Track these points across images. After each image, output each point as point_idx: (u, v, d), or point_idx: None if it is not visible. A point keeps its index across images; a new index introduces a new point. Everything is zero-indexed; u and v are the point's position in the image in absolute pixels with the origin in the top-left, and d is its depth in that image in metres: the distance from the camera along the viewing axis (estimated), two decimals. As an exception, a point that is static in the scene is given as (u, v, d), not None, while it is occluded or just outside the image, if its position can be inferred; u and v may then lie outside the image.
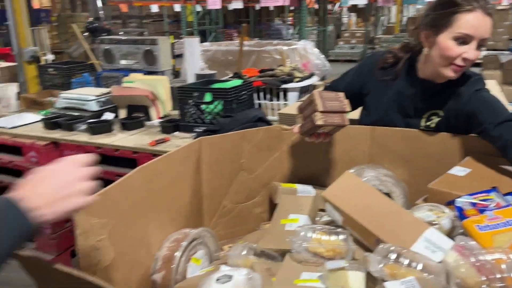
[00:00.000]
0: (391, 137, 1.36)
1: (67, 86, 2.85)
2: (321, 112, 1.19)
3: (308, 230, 0.96)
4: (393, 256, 0.78)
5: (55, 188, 0.65)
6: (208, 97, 2.19)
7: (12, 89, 2.82)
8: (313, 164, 1.46)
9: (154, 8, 7.99)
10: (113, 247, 0.90)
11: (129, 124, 2.33)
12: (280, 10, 13.47)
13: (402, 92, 1.40)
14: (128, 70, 2.84)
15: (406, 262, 0.77)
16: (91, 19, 3.95)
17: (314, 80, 2.56)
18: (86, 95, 2.46)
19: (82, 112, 2.42)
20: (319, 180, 1.43)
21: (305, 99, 1.32)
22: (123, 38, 2.92)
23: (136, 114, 2.47)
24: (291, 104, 2.30)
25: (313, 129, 1.25)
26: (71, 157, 0.70)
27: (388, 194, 1.22)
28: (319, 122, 1.19)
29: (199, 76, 2.67)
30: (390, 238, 0.90)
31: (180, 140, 2.17)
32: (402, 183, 1.27)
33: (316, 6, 8.79)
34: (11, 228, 0.58)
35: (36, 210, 0.61)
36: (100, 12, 3.61)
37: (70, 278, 0.66)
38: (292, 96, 2.37)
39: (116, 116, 2.46)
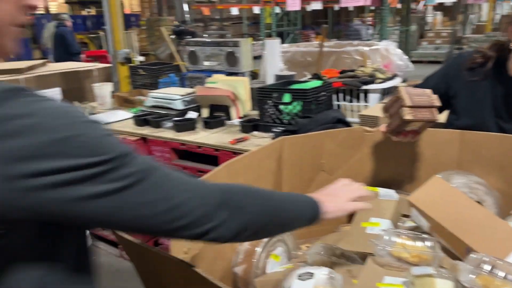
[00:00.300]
0: (483, 142, 1.28)
1: (154, 86, 3.04)
2: (409, 107, 1.15)
3: (392, 234, 0.94)
4: (487, 267, 0.74)
5: (337, 194, 0.91)
6: (287, 97, 2.22)
7: (107, 88, 3.08)
8: (395, 168, 1.41)
9: (234, 11, 8.21)
10: (201, 237, 0.95)
11: (211, 123, 2.43)
12: (360, 10, 13.15)
13: (493, 93, 1.31)
14: (211, 71, 2.96)
15: (502, 274, 0.72)
16: (176, 22, 4.16)
17: (396, 82, 2.48)
18: (172, 95, 2.61)
19: (168, 110, 2.57)
20: (401, 185, 1.39)
21: (389, 99, 1.29)
22: (207, 40, 3.05)
23: (217, 113, 2.57)
24: (373, 106, 2.25)
25: (401, 126, 1.20)
26: (345, 179, 0.97)
27: (478, 203, 1.15)
28: (408, 116, 1.14)
29: (278, 77, 2.71)
30: (482, 247, 0.85)
31: (259, 140, 2.22)
32: (495, 192, 1.19)
33: (399, 6, 8.46)
34: (306, 204, 0.83)
35: (322, 203, 0.84)
36: (186, 16, 3.80)
37: (168, 263, 0.72)
38: (373, 97, 2.32)
39: (199, 115, 2.58)
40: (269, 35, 6.50)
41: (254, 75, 3.76)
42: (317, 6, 5.97)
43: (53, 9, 12.68)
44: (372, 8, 10.73)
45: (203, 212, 0.61)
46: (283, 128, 2.17)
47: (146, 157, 0.58)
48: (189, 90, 2.69)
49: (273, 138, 2.12)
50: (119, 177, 0.53)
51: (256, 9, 7.88)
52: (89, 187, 0.52)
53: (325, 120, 1.94)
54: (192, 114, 2.54)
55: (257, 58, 3.93)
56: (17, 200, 0.50)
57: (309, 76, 2.77)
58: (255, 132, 2.32)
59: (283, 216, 0.78)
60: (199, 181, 0.65)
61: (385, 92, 2.38)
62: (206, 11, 8.10)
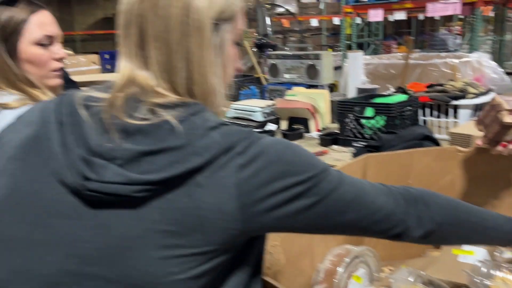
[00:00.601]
0: None
1: (236, 97, 3.13)
2: (509, 110, 1.07)
3: (491, 267, 0.87)
4: None
5: None
6: (369, 112, 2.16)
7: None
8: (491, 193, 1.31)
9: (314, 22, 8.20)
10: (284, 253, 0.95)
11: (290, 136, 2.44)
12: (446, 18, 12.45)
13: None
14: (291, 84, 2.97)
15: None
16: (258, 35, 4.25)
17: (491, 97, 2.30)
18: (253, 107, 2.66)
19: (249, 122, 2.62)
20: (498, 211, 1.27)
21: (483, 110, 1.21)
22: (289, 53, 3.08)
23: (296, 126, 2.58)
24: (464, 123, 2.11)
25: (500, 134, 1.11)
26: None
27: None
28: (508, 119, 1.06)
29: (360, 90, 2.65)
30: None
31: (338, 154, 2.18)
32: None
33: (491, 14, 7.87)
34: (508, 218, 0.80)
35: None
36: (267, 29, 3.87)
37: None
38: (464, 114, 2.17)
39: (278, 127, 2.60)
40: (349, 46, 6.40)
41: (332, 87, 3.71)
42: (400, 16, 5.76)
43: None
44: (461, 16, 10.12)
45: (394, 210, 0.67)
46: (364, 143, 2.11)
47: (334, 169, 0.67)
48: (269, 102, 2.73)
49: (354, 153, 2.07)
50: (324, 188, 0.63)
51: (336, 20, 7.79)
52: (304, 199, 0.61)
53: (411, 136, 1.85)
54: (271, 126, 2.57)
55: (336, 69, 3.88)
56: (258, 220, 0.60)
57: (393, 90, 2.68)
58: (334, 146, 2.28)
59: (475, 221, 0.76)
60: (379, 183, 0.71)
61: (477, 108, 2.21)
62: (286, 23, 8.19)
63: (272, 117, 2.64)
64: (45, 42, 1.19)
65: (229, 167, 0.58)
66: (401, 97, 2.23)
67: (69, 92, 0.69)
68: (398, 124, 2.08)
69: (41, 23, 1.18)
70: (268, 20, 4.01)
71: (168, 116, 0.60)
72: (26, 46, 1.16)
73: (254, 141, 0.61)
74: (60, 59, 1.24)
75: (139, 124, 0.59)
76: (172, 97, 0.63)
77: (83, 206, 0.59)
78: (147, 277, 0.58)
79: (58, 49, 1.23)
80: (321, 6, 8.91)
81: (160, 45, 0.63)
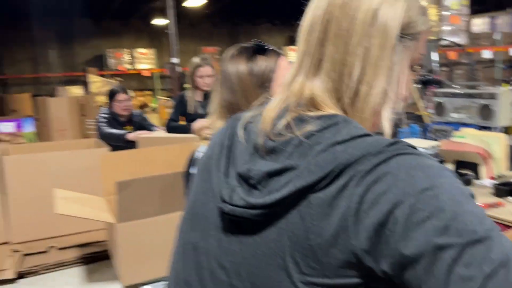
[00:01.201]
0: None
1: (393, 135, 3.01)
2: None
3: None
4: None
5: None
6: (561, 162, 1.85)
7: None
8: None
9: (487, 54, 7.43)
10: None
11: (457, 181, 2.24)
12: None
13: None
14: (459, 124, 2.74)
15: None
16: (422, 70, 4.05)
17: None
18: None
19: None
20: None
21: None
22: (459, 91, 2.85)
23: (463, 171, 2.35)
24: None
25: None
26: None
27: None
28: None
29: (547, 136, 2.29)
30: None
31: (516, 208, 1.91)
32: None
33: None
34: None
35: None
36: (434, 65, 3.66)
37: None
38: None
39: (443, 171, 2.41)
40: (530, 81, 5.60)
41: (508, 129, 3.28)
42: None
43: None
44: None
45: None
46: (553, 199, 1.81)
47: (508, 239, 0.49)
48: (433, 143, 2.56)
49: (538, 210, 1.79)
50: (476, 263, 0.45)
51: (514, 51, 6.92)
52: (458, 268, 0.45)
53: None
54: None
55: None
56: (374, 263, 0.50)
57: None
58: (511, 198, 2.01)
59: None
60: None
61: None
62: (452, 55, 7.62)
63: (436, 159, 2.46)
64: None
65: (348, 187, 0.51)
66: None
67: (240, 114, 0.73)
68: None
69: (284, 69, 1.30)
70: (434, 55, 3.79)
71: (298, 132, 0.57)
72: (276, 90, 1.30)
73: (388, 157, 0.51)
74: None
75: (274, 140, 0.59)
76: (324, 107, 0.60)
77: (227, 222, 0.63)
78: None
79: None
80: (497, 36, 8.05)
81: (339, 42, 0.60)
